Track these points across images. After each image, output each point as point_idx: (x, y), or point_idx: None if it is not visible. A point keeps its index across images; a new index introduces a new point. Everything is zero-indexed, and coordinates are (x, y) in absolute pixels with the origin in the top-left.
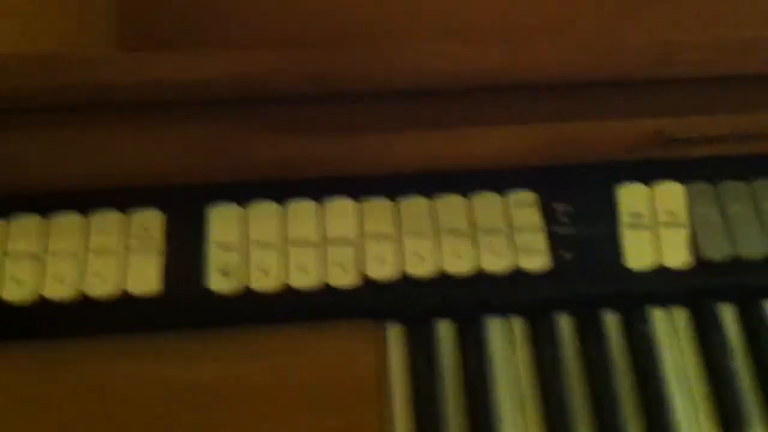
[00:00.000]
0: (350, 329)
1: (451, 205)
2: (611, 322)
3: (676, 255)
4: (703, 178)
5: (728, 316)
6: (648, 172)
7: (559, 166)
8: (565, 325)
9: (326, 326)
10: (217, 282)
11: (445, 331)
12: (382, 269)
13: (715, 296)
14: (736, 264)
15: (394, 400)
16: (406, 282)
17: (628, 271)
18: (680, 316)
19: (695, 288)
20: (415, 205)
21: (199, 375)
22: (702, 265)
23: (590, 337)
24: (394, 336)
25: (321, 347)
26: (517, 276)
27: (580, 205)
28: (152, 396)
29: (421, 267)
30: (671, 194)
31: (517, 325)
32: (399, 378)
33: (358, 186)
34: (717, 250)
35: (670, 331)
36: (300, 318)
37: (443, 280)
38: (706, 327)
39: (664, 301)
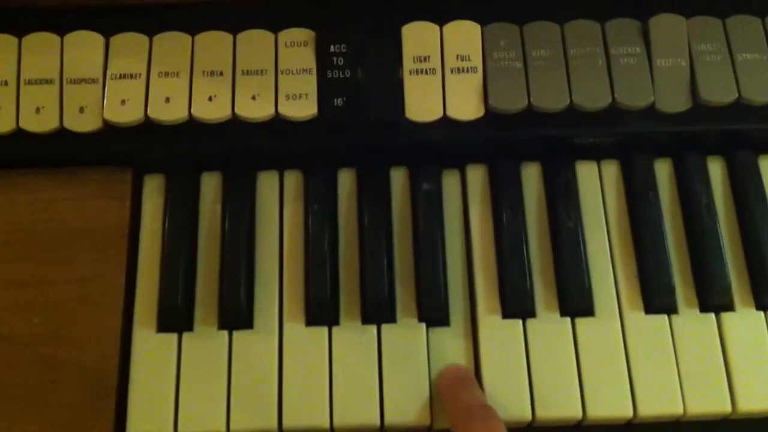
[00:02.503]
0: (104, 177)
1: (213, 41)
2: (396, 177)
3: (465, 105)
4: (505, 17)
5: (531, 173)
6: (441, 9)
7: (340, 0)
8: (345, 180)
9: (78, 172)
10: None
11: (206, 183)
12: (125, 112)
13: (512, 152)
14: (532, 115)
15: (143, 249)
16: (152, 127)
17: (409, 122)
18: (475, 175)
19: (488, 142)
20: (171, 41)
21: None
22: (494, 117)
23: (371, 193)
24: (152, 185)
25: (74, 194)
26: (280, 124)
27: (359, 45)
28: None
29: (168, 111)
30: (465, 35)
31: (292, 177)
32: (151, 228)
33: (106, 17)
34: (513, 101)
35: (460, 191)
36: (38, 164)
37: (194, 125)
38: (502, 187)
39: (455, 156)
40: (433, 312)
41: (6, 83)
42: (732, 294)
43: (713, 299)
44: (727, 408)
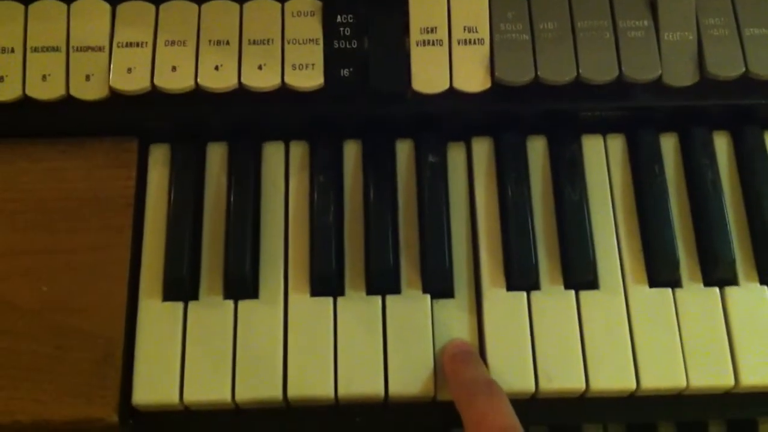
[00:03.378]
0: (110, 146)
1: (219, 11)
2: (401, 149)
3: (472, 77)
4: None
5: (536, 146)
6: None
7: None
8: (351, 151)
9: (84, 141)
10: None
11: (212, 153)
12: (131, 81)
13: (518, 125)
14: (539, 88)
15: (149, 219)
16: (159, 96)
17: (415, 93)
18: (480, 148)
19: (494, 114)
20: (177, 10)
21: None
22: (501, 89)
23: (377, 164)
24: (157, 155)
25: (81, 163)
26: (287, 94)
27: (366, 16)
28: None
29: (174, 80)
30: (472, 6)
31: (297, 148)
32: (157, 198)
33: None
34: (519, 73)
35: (465, 164)
36: (44, 133)
37: (200, 94)
38: (508, 160)
39: (461, 128)
40: (437, 283)
41: (12, 50)
42: (736, 268)
43: (717, 273)
44: (729, 382)
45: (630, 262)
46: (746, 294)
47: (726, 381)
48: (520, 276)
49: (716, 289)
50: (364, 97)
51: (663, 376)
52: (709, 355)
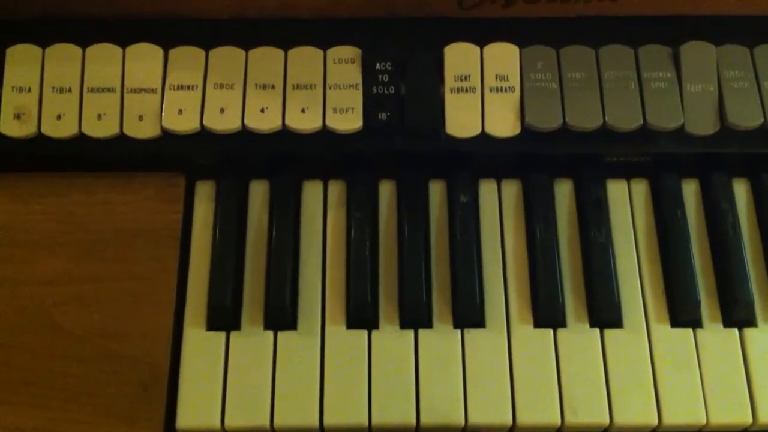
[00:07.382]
0: (159, 182)
1: (265, 56)
2: (435, 190)
3: (503, 122)
4: (542, 41)
5: (563, 189)
6: (481, 32)
7: (386, 21)
8: (386, 191)
9: (134, 176)
10: (9, 126)
11: (255, 190)
12: (182, 121)
13: (546, 168)
14: (566, 134)
15: (194, 252)
16: (207, 136)
17: (449, 137)
18: (509, 190)
19: (523, 158)
20: (226, 55)
21: None
22: (530, 135)
23: (411, 203)
24: (203, 191)
25: (131, 197)
26: (327, 136)
27: (403, 63)
28: None
29: (222, 121)
30: (504, 56)
31: (335, 187)
32: (202, 232)
33: (165, 31)
34: (548, 120)
35: (495, 204)
36: (97, 168)
37: (245, 135)
38: (536, 202)
39: (491, 171)
40: (468, 318)
41: (70, 90)
42: (755, 310)
43: (737, 314)
44: (747, 419)
45: (653, 302)
46: (764, 335)
47: (744, 419)
48: (547, 314)
49: (735, 330)
50: (400, 140)
51: (684, 412)
52: (728, 393)
